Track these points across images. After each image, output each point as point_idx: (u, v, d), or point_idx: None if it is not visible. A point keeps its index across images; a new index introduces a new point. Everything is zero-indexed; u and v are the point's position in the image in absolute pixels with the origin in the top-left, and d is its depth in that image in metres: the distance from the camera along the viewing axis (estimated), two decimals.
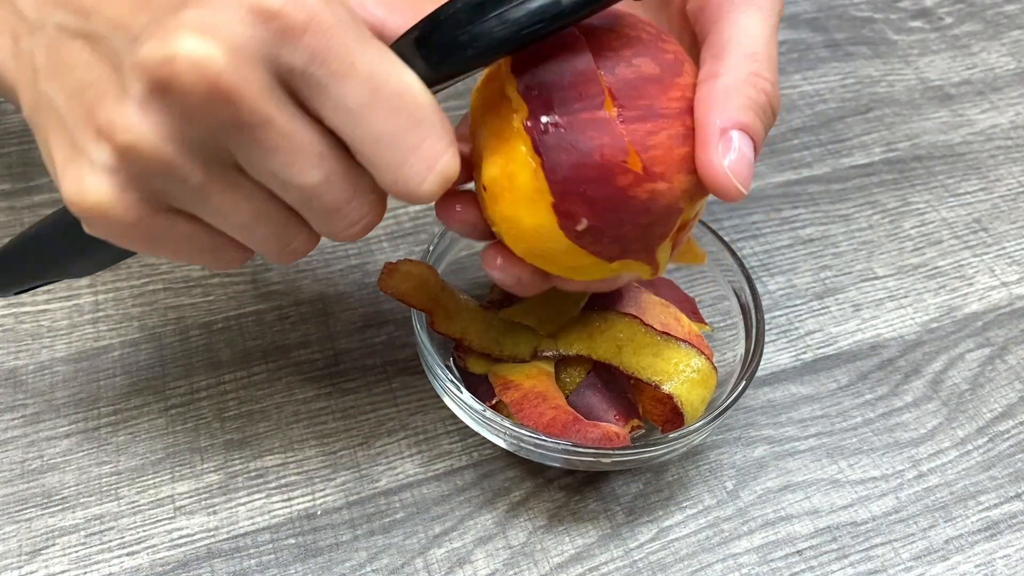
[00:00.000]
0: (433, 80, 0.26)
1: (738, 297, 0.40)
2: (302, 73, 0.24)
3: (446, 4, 0.25)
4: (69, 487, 0.38)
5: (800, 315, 0.46)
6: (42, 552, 0.36)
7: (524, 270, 0.32)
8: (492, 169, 0.29)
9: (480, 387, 0.38)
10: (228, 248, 0.29)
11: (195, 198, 0.26)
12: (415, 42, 0.26)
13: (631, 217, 0.28)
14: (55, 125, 0.26)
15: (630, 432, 0.37)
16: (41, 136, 0.27)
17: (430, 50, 0.26)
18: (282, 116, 0.24)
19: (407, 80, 0.25)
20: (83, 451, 0.39)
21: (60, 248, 0.32)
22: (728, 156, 0.27)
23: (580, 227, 0.28)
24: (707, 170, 0.28)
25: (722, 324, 0.41)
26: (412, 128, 0.25)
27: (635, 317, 0.39)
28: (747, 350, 0.38)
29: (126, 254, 0.31)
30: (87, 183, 0.25)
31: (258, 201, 0.27)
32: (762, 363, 0.43)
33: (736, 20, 0.29)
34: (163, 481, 0.38)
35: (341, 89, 0.24)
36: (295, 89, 0.25)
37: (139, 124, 0.24)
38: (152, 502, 0.38)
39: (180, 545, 0.37)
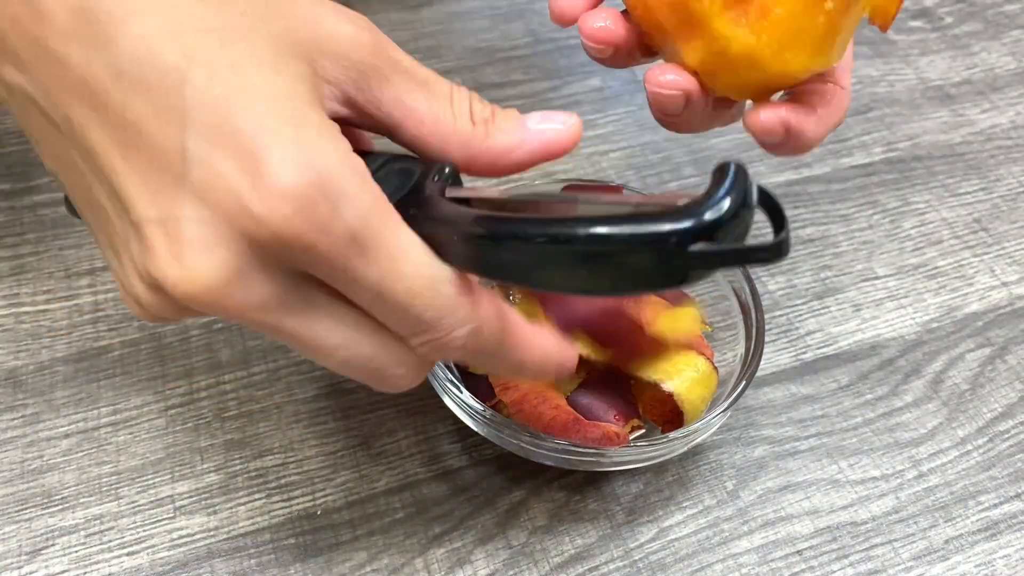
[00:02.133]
0: (462, 269, 0.25)
1: (738, 297, 0.40)
2: (314, 272, 0.24)
3: (511, 226, 0.24)
4: (69, 487, 0.38)
5: (800, 315, 0.46)
6: (42, 552, 0.36)
7: (693, 83, 0.30)
8: None
9: (480, 387, 0.38)
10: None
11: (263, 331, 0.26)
12: (467, 237, 0.24)
13: None
14: (82, 202, 0.26)
15: (630, 432, 0.38)
16: (77, 202, 0.27)
17: (476, 257, 0.25)
18: (291, 318, 0.24)
19: (415, 282, 0.24)
20: (83, 451, 0.39)
21: None
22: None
23: None
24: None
25: (722, 324, 0.41)
26: (423, 323, 0.25)
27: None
28: (747, 350, 0.38)
29: None
30: (128, 301, 0.26)
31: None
32: (762, 363, 0.43)
33: None
34: (163, 481, 0.38)
35: (349, 290, 0.24)
36: (322, 280, 0.24)
37: (155, 302, 0.25)
38: (152, 502, 0.38)
39: (180, 545, 0.37)
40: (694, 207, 0.22)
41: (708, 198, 0.22)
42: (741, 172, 0.22)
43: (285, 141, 0.22)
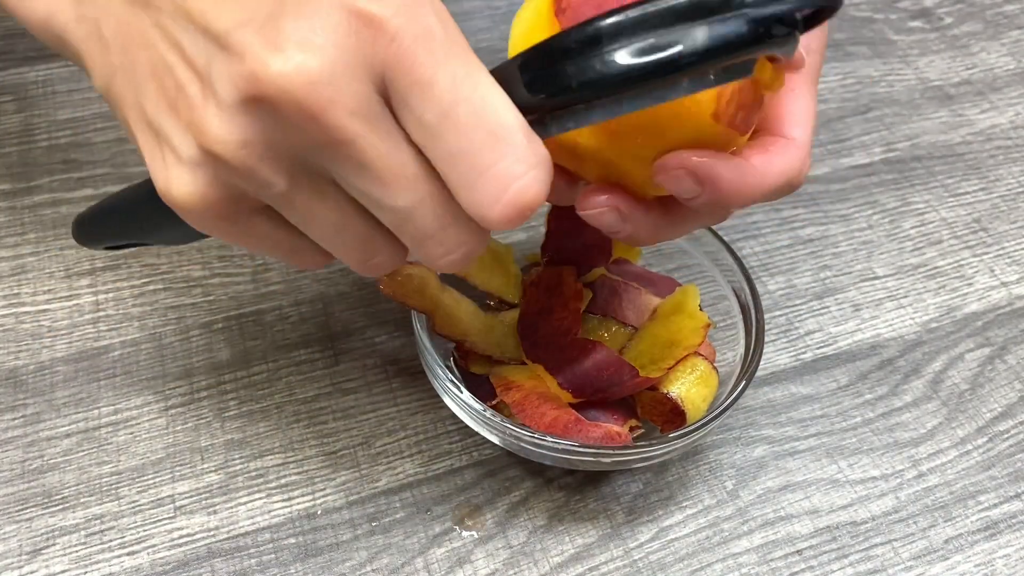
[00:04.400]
0: (533, 108, 0.24)
1: (738, 297, 0.40)
2: (390, 81, 0.23)
3: (559, 33, 0.23)
4: (69, 487, 0.38)
5: (800, 315, 0.46)
6: (42, 552, 0.36)
7: (621, 198, 0.28)
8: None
9: (481, 387, 0.38)
10: (309, 252, 0.28)
11: (279, 202, 0.26)
12: (519, 67, 0.24)
13: None
14: (132, 109, 0.26)
15: (630, 432, 0.37)
16: (119, 114, 0.27)
17: (531, 76, 0.24)
18: (374, 135, 0.23)
19: (490, 97, 0.23)
20: (84, 451, 0.39)
21: (149, 214, 0.31)
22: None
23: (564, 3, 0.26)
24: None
25: (722, 324, 0.41)
26: (488, 146, 0.23)
27: (634, 328, 0.40)
28: (747, 350, 0.38)
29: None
30: (172, 175, 0.25)
31: (346, 214, 0.26)
32: (762, 363, 0.43)
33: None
34: (163, 481, 0.38)
35: (419, 103, 0.23)
36: (388, 99, 0.24)
37: (228, 132, 0.23)
38: (152, 502, 0.38)
39: (180, 545, 0.37)
40: None
41: None
42: None
43: None
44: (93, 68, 0.27)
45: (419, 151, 0.24)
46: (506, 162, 0.23)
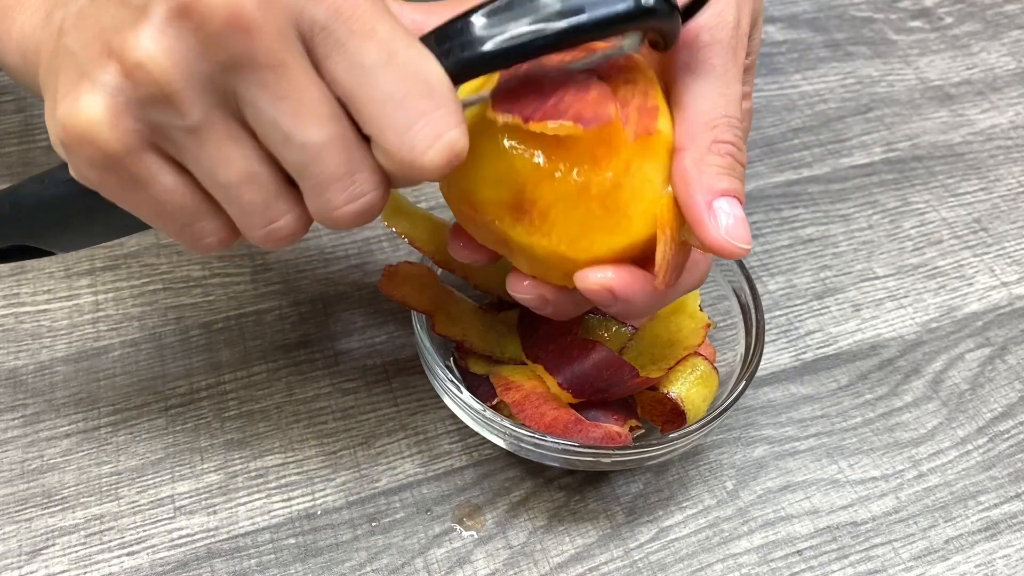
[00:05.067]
0: (451, 78, 0.26)
1: (738, 297, 0.40)
2: (323, 28, 0.24)
3: (470, 9, 0.26)
4: (69, 487, 0.38)
5: (800, 315, 0.46)
6: (42, 552, 0.36)
7: (546, 288, 0.31)
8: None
9: (481, 387, 0.38)
10: (207, 217, 0.27)
11: (189, 140, 0.25)
12: (436, 38, 0.26)
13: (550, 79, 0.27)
14: (66, 66, 0.26)
15: (630, 432, 0.37)
16: (50, 87, 0.26)
17: (448, 48, 0.26)
18: (296, 65, 0.24)
19: (425, 56, 0.25)
20: (83, 451, 0.39)
21: (45, 207, 0.31)
22: (723, 224, 0.28)
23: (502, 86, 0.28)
24: (709, 242, 0.28)
25: (722, 324, 0.41)
26: (424, 96, 0.25)
27: (634, 328, 0.40)
28: (747, 350, 0.38)
29: (107, 231, 0.31)
30: (83, 102, 0.24)
31: (253, 160, 0.26)
32: (762, 363, 0.43)
33: (689, 87, 0.29)
34: (163, 481, 0.38)
35: (359, 47, 0.24)
36: (312, 47, 0.25)
37: (152, 45, 0.24)
38: (152, 502, 0.38)
39: (180, 545, 0.37)
40: None
41: None
42: None
43: None
44: (44, 55, 0.27)
45: (333, 95, 0.25)
46: (439, 112, 0.25)
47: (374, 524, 0.38)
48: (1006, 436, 0.42)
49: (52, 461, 0.39)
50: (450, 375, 0.36)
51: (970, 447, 0.42)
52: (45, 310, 0.43)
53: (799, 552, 0.38)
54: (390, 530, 0.37)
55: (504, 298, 0.41)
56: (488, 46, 0.26)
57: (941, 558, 0.38)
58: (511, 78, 0.28)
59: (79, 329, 0.43)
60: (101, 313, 0.44)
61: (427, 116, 0.25)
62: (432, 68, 0.25)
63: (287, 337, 0.43)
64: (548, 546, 0.37)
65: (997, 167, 0.55)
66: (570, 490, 0.39)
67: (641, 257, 0.30)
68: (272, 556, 0.36)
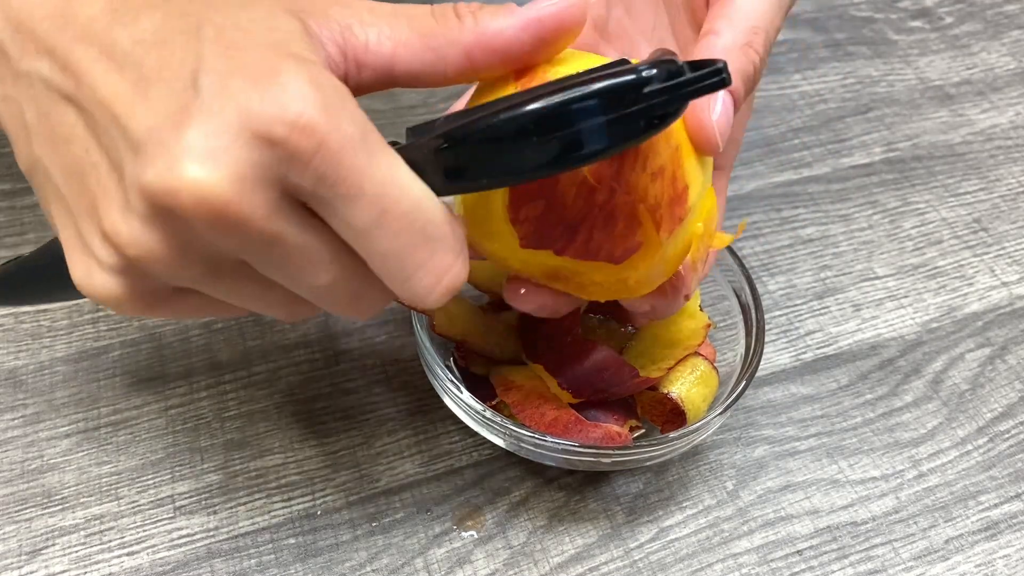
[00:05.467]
0: (447, 191, 0.25)
1: (738, 297, 0.40)
2: (311, 194, 0.24)
3: (469, 122, 0.24)
4: (69, 487, 0.38)
5: (800, 315, 0.46)
6: (42, 552, 0.36)
7: (546, 295, 0.32)
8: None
9: (481, 387, 0.38)
10: (240, 311, 0.29)
11: (200, 286, 0.26)
12: (435, 152, 0.25)
13: (570, 191, 0.27)
14: (55, 199, 0.26)
15: (630, 432, 0.37)
16: (40, 197, 0.28)
17: (448, 166, 0.25)
18: (291, 232, 0.24)
19: (417, 197, 0.24)
20: (83, 451, 0.39)
21: (63, 276, 0.32)
22: (714, 113, 0.29)
23: (523, 215, 0.28)
24: (696, 123, 0.29)
25: (722, 324, 0.41)
26: (420, 245, 0.25)
27: (634, 328, 0.39)
28: (747, 350, 0.38)
29: None
30: (96, 279, 0.26)
31: (265, 287, 0.27)
32: (762, 363, 0.43)
33: None
34: (163, 481, 0.38)
35: (349, 210, 0.24)
36: (309, 205, 0.24)
37: (144, 240, 0.24)
38: (152, 502, 0.38)
39: (180, 545, 0.37)
40: (638, 65, 0.24)
41: (647, 61, 0.24)
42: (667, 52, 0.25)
43: (293, 67, 0.23)
44: (16, 147, 0.27)
45: (333, 234, 0.25)
46: (437, 256, 0.25)
47: (374, 524, 0.38)
48: (1006, 436, 0.42)
49: (52, 461, 0.39)
50: (450, 375, 0.36)
51: (970, 447, 0.42)
52: (45, 310, 0.43)
53: (799, 552, 0.38)
54: (390, 530, 0.37)
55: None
56: (490, 174, 0.25)
57: (941, 558, 0.38)
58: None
59: (79, 329, 0.43)
60: (101, 313, 0.44)
61: (425, 266, 0.25)
62: (427, 211, 0.24)
63: (287, 337, 0.43)
64: (548, 546, 0.37)
65: (997, 167, 0.55)
66: (570, 490, 0.39)
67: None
68: (272, 556, 0.36)
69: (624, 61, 0.25)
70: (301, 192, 0.24)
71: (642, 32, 0.36)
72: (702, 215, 0.30)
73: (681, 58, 0.25)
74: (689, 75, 0.24)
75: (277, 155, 0.23)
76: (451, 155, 0.25)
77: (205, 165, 0.22)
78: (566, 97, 0.23)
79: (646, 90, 0.23)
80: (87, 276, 0.26)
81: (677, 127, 0.28)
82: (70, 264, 0.26)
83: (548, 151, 0.24)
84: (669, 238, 0.28)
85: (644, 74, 0.23)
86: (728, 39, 0.30)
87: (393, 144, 0.26)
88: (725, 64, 0.24)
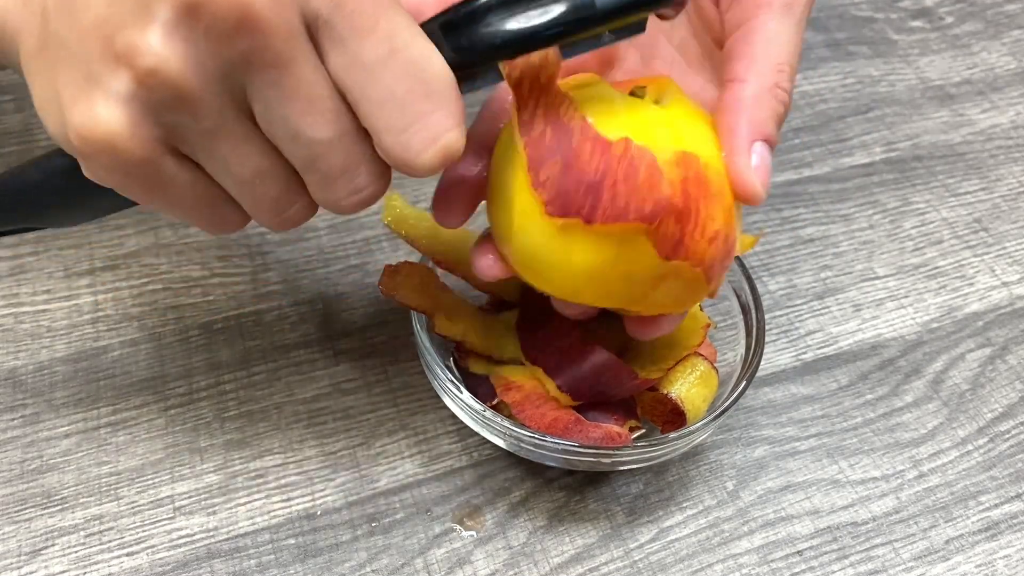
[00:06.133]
0: (455, 65, 0.26)
1: (738, 297, 0.40)
2: (325, 21, 0.24)
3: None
4: (69, 487, 0.38)
5: (800, 315, 0.46)
6: (42, 552, 0.36)
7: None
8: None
9: (481, 387, 0.37)
10: (224, 206, 0.28)
11: (204, 140, 0.25)
12: (441, 26, 0.26)
13: (592, 166, 0.27)
14: (65, 62, 0.25)
15: (630, 432, 0.37)
16: (44, 78, 0.26)
17: (455, 35, 0.25)
18: (304, 62, 0.24)
19: (428, 51, 0.25)
20: (83, 451, 0.39)
21: (47, 192, 0.31)
22: (755, 164, 0.29)
23: (543, 176, 0.27)
24: (738, 176, 0.29)
25: (722, 324, 0.41)
26: (424, 96, 0.25)
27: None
28: (747, 350, 0.38)
29: (112, 207, 0.31)
30: (100, 112, 0.24)
31: (263, 157, 0.26)
32: (762, 363, 0.43)
33: (767, 24, 0.30)
34: (163, 481, 0.38)
35: (360, 43, 0.24)
36: (316, 39, 0.24)
37: (163, 48, 0.23)
38: (152, 502, 0.38)
39: (180, 545, 0.37)
40: None
41: None
42: None
43: None
44: (24, 42, 0.27)
45: (338, 90, 0.25)
46: (438, 114, 0.25)
47: (374, 524, 0.38)
48: (1007, 436, 0.42)
49: (52, 461, 0.39)
50: (450, 375, 0.36)
51: (970, 447, 0.42)
52: (44, 310, 0.43)
53: (799, 552, 0.38)
54: (390, 530, 0.37)
55: (504, 298, 0.41)
56: (498, 37, 0.25)
57: (942, 558, 0.38)
58: (538, 144, 0.27)
59: (78, 329, 0.43)
60: (100, 313, 0.44)
61: (425, 118, 0.25)
62: (434, 65, 0.25)
63: (287, 337, 0.43)
64: (548, 546, 0.37)
65: (998, 167, 0.55)
66: (570, 490, 0.39)
67: None
68: (272, 556, 0.36)
69: None
70: (319, 16, 0.24)
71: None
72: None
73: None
74: None
75: None
76: (455, 24, 0.25)
77: None
78: None
79: None
80: (89, 113, 0.25)
81: (727, 185, 0.29)
82: (70, 114, 0.25)
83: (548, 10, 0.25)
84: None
85: None
86: (755, 86, 0.29)
87: None
88: None
